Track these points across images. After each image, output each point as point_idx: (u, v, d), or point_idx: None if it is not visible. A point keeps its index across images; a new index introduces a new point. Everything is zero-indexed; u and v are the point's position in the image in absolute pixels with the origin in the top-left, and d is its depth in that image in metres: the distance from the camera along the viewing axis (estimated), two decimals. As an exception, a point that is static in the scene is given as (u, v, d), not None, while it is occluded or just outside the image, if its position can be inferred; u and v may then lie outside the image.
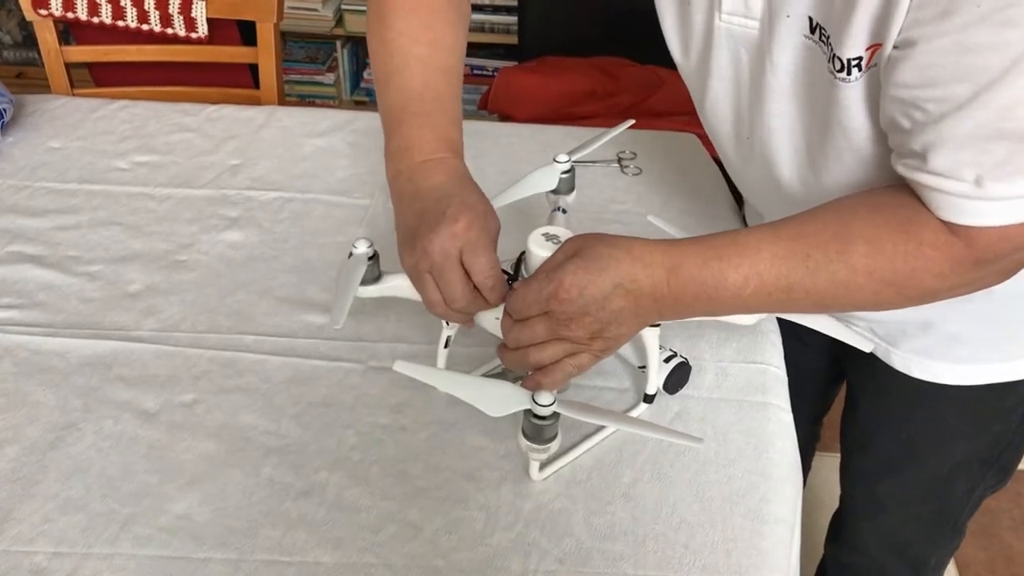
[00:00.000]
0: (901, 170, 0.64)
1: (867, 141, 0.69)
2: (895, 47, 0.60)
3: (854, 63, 0.64)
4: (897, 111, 0.62)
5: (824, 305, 0.68)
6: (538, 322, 0.68)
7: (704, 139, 1.29)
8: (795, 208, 0.69)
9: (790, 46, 0.69)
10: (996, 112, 0.57)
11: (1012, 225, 0.61)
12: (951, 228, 0.62)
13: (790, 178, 0.78)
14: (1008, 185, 0.59)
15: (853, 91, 0.66)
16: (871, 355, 0.91)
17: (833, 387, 1.20)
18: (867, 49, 0.63)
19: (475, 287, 0.71)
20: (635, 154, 1.20)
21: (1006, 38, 0.55)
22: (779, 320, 0.90)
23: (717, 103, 0.80)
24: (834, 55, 0.65)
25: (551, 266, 0.68)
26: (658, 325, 0.77)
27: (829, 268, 0.65)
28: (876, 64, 0.63)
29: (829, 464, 1.39)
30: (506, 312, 0.71)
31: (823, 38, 0.66)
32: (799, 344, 0.91)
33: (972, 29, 0.55)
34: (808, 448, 1.31)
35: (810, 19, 0.67)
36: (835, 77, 0.66)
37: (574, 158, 0.88)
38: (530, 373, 0.72)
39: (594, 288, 0.66)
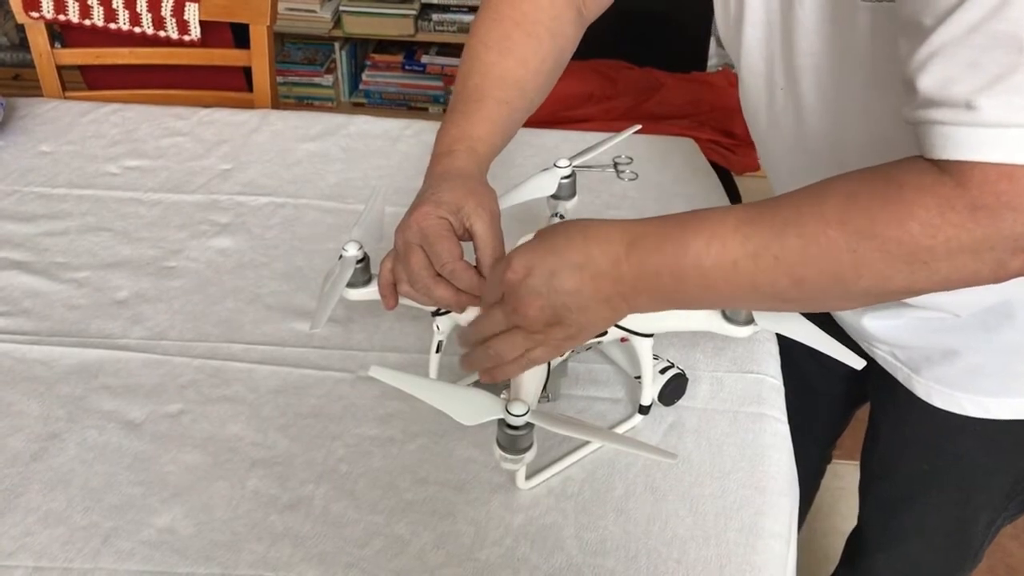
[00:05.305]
0: (904, 113, 0.58)
1: (884, 75, 0.64)
2: None
3: None
4: (901, 36, 0.57)
5: (800, 278, 0.59)
6: (497, 309, 0.68)
7: (701, 144, 1.28)
8: (818, 177, 0.64)
9: None
10: (986, 9, 0.50)
11: (1017, 165, 0.51)
12: (941, 167, 0.54)
13: (817, 130, 0.75)
14: (1005, 103, 0.51)
15: (867, 16, 0.63)
16: (894, 380, 0.87)
17: (849, 412, 1.16)
18: None
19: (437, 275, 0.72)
20: (631, 159, 1.18)
21: None
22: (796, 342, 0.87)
23: (751, 55, 0.78)
24: None
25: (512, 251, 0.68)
26: (650, 336, 0.76)
27: (798, 223, 0.58)
28: None
29: (841, 471, 1.37)
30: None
31: None
32: (817, 366, 0.87)
33: None
34: (819, 470, 1.28)
35: None
36: None
37: (576, 163, 0.86)
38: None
39: (542, 267, 0.64)
